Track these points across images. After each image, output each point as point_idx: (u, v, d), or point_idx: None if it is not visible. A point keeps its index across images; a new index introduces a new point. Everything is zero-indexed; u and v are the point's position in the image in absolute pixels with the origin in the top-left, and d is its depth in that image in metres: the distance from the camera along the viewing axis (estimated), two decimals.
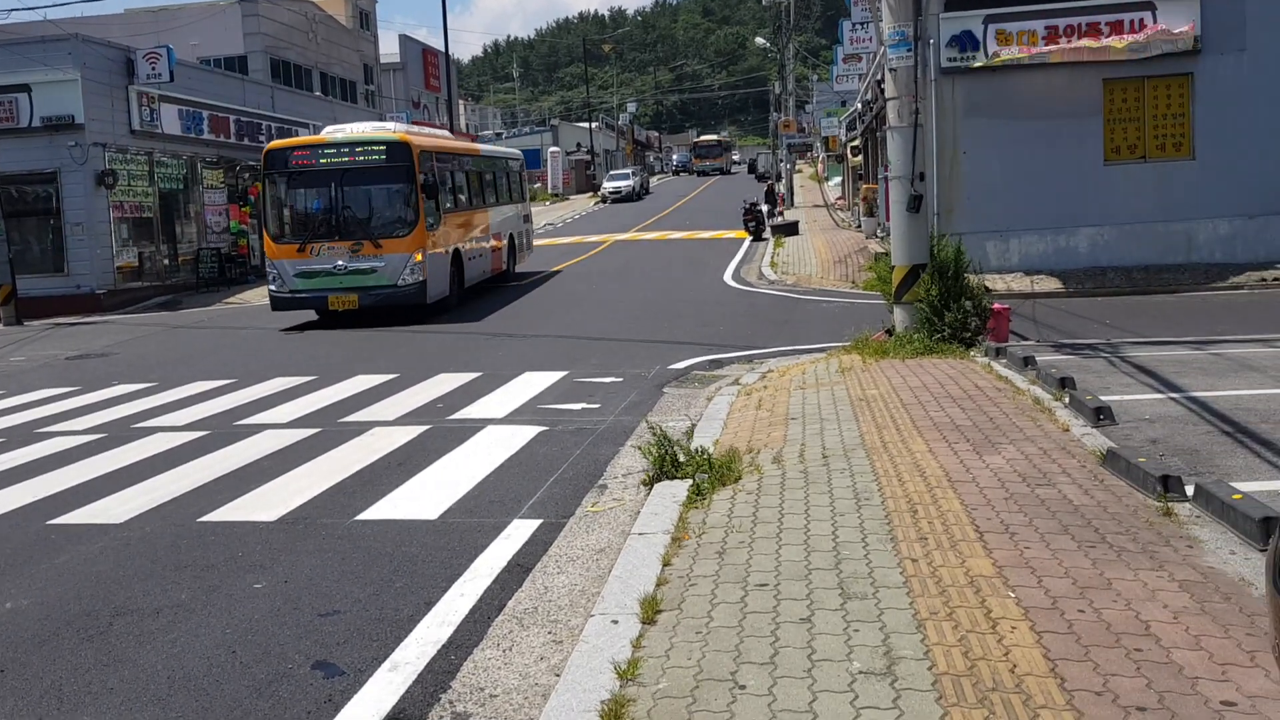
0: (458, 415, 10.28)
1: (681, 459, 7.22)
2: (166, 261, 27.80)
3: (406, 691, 4.57)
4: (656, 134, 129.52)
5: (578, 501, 7.28)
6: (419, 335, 16.53)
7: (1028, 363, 10.19)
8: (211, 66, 35.47)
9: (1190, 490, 5.94)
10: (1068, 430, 7.63)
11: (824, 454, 7.37)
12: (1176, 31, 17.67)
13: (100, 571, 6.30)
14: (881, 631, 4.36)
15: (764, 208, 35.61)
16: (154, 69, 26.23)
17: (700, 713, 3.80)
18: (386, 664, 4.83)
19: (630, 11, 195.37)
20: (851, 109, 38.45)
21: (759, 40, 75.03)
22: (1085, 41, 17.85)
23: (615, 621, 4.70)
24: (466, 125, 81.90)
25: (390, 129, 19.24)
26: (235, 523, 7.16)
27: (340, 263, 17.69)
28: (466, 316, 18.39)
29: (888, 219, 14.39)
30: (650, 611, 4.74)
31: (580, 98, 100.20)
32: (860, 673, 4.01)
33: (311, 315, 18.75)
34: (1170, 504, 5.82)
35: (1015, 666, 3.97)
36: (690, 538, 5.80)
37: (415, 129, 21.03)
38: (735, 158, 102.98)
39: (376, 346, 15.59)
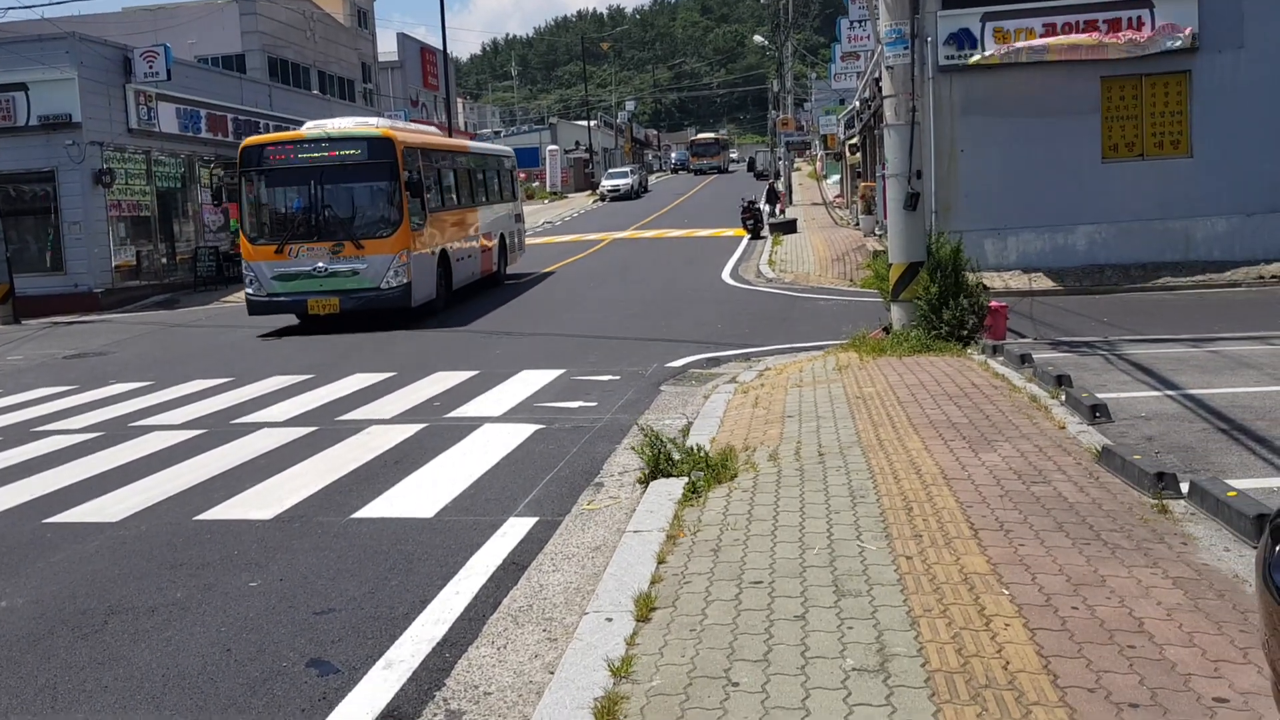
0: (454, 413, 10.28)
1: (676, 457, 7.22)
2: (164, 260, 27.79)
3: (401, 689, 4.57)
4: (655, 132, 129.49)
5: (574, 499, 7.28)
6: (413, 335, 16.48)
7: (1024, 360, 10.19)
8: (209, 65, 35.45)
9: (1185, 487, 5.95)
10: (1064, 428, 7.64)
11: (820, 452, 7.37)
12: (1180, 29, 17.66)
13: (95, 570, 6.30)
14: (875, 629, 4.36)
15: (765, 206, 35.61)
16: (151, 68, 26.20)
17: (693, 710, 3.80)
18: (381, 662, 4.83)
19: (629, 10, 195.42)
20: (850, 107, 38.46)
21: (757, 38, 75.02)
22: (1083, 38, 17.84)
23: (609, 619, 4.70)
24: (465, 124, 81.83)
25: (373, 124, 18.53)
26: (231, 521, 7.15)
27: (320, 264, 16.95)
28: (454, 320, 17.78)
29: (885, 217, 14.38)
30: (644, 609, 4.74)
31: (579, 96, 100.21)
32: (854, 670, 4.01)
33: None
34: (1165, 501, 5.83)
35: (1008, 663, 3.98)
36: (685, 535, 5.80)
37: (400, 124, 20.28)
38: (733, 156, 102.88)
39: (374, 345, 15.58)
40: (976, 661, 4.01)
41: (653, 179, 78.32)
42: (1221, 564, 4.93)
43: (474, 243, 21.49)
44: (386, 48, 60.98)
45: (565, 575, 5.82)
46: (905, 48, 11.84)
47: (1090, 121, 18.27)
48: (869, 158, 30.83)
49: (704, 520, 6.03)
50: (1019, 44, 17.94)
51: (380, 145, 17.11)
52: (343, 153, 17.14)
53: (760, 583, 4.97)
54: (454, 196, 20.76)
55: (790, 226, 31.89)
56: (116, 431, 10.31)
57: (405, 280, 16.98)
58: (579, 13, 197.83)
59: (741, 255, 26.78)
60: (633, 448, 8.07)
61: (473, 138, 57.94)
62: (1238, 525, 5.31)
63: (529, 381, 11.74)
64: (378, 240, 16.94)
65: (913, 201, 11.84)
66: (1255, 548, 5.02)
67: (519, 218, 26.66)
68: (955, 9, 18.23)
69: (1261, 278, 17.23)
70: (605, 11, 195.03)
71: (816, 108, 60.81)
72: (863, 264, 21.70)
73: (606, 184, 60.31)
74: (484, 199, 22.93)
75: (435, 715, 4.34)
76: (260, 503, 7.52)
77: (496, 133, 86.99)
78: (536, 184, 70.15)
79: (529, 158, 75.31)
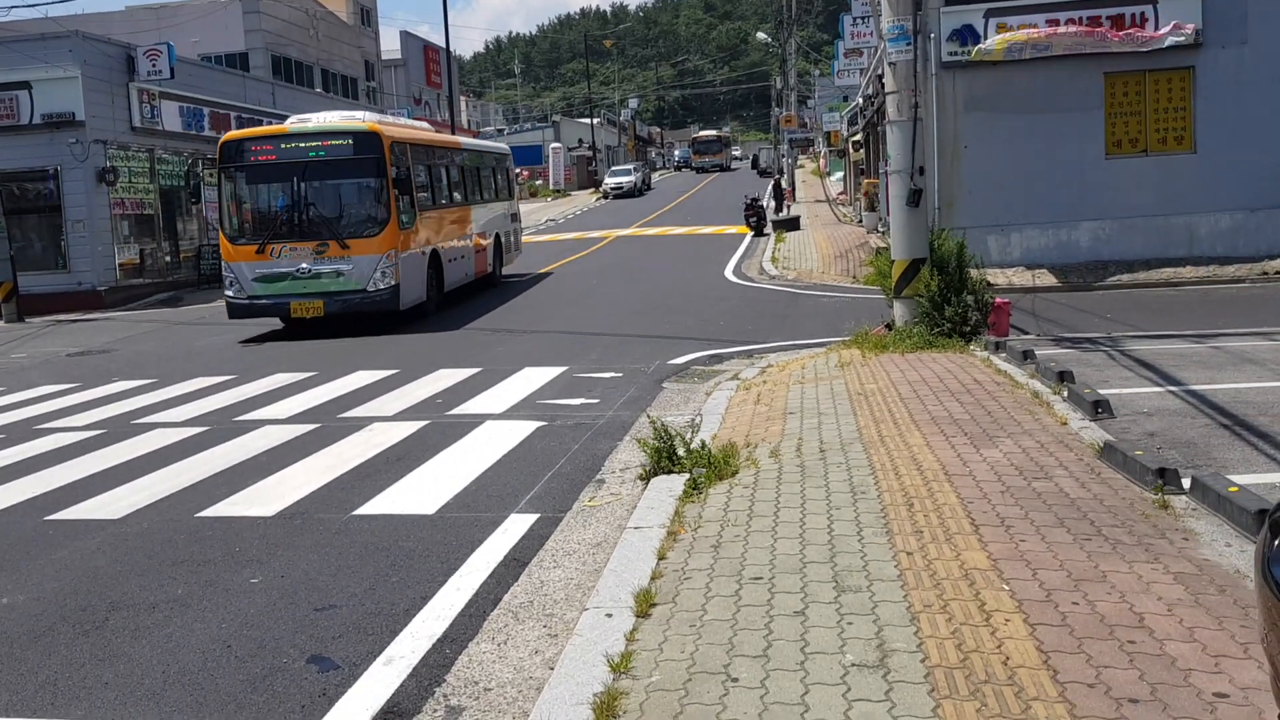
0: (457, 410, 10.28)
1: (680, 452, 7.22)
2: (168, 258, 27.83)
3: (401, 685, 4.57)
4: (658, 130, 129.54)
5: (575, 496, 7.28)
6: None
7: (1027, 356, 10.18)
8: (212, 63, 35.51)
9: (1187, 483, 5.93)
10: (1066, 424, 7.63)
11: (821, 448, 7.37)
12: (1185, 27, 17.63)
13: (97, 567, 6.31)
14: (875, 624, 4.36)
15: (770, 202, 35.56)
16: (154, 66, 26.23)
17: (692, 705, 3.80)
18: (381, 658, 4.83)
19: (632, 7, 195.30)
20: (853, 104, 38.43)
21: (761, 35, 74.90)
22: (1087, 38, 17.82)
23: (609, 615, 4.70)
24: (468, 121, 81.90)
25: (359, 118, 17.78)
26: (233, 518, 7.16)
27: (304, 265, 16.19)
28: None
29: (888, 213, 14.37)
30: (644, 605, 4.74)
31: (582, 94, 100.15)
32: (853, 665, 4.01)
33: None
34: (1167, 496, 5.82)
35: (1008, 659, 3.97)
36: (686, 532, 5.80)
37: (389, 119, 19.47)
38: (736, 153, 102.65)
39: (377, 342, 15.59)
40: (976, 657, 4.00)
41: (656, 176, 78.25)
42: (1223, 559, 4.92)
43: (467, 243, 20.79)
44: (390, 46, 61.06)
45: (566, 571, 5.82)
46: (908, 44, 11.83)
47: (1094, 117, 18.23)
48: (872, 154, 30.81)
49: (705, 516, 6.03)
50: (1020, 36, 17.90)
51: (366, 140, 16.36)
52: (327, 148, 16.41)
53: (760, 579, 4.96)
54: (446, 194, 20.10)
55: (793, 223, 31.87)
56: (119, 429, 10.32)
57: (393, 282, 16.28)
58: (582, 10, 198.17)
59: (744, 252, 26.77)
60: (637, 441, 8.07)
61: (476, 136, 57.97)
62: (1239, 520, 5.30)
63: (531, 379, 11.74)
64: (364, 240, 16.23)
65: (916, 198, 11.82)
66: (1256, 543, 5.02)
67: (515, 217, 25.93)
68: (958, 5, 18.21)
69: (1265, 273, 17.20)
70: (608, 9, 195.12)
71: (820, 104, 60.80)
72: (865, 261, 21.67)
73: (610, 182, 60.30)
74: (478, 197, 22.30)
75: (435, 711, 4.34)
76: (262, 500, 7.52)
77: (500, 130, 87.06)
78: (540, 182, 70.20)
79: (532, 155, 75.44)
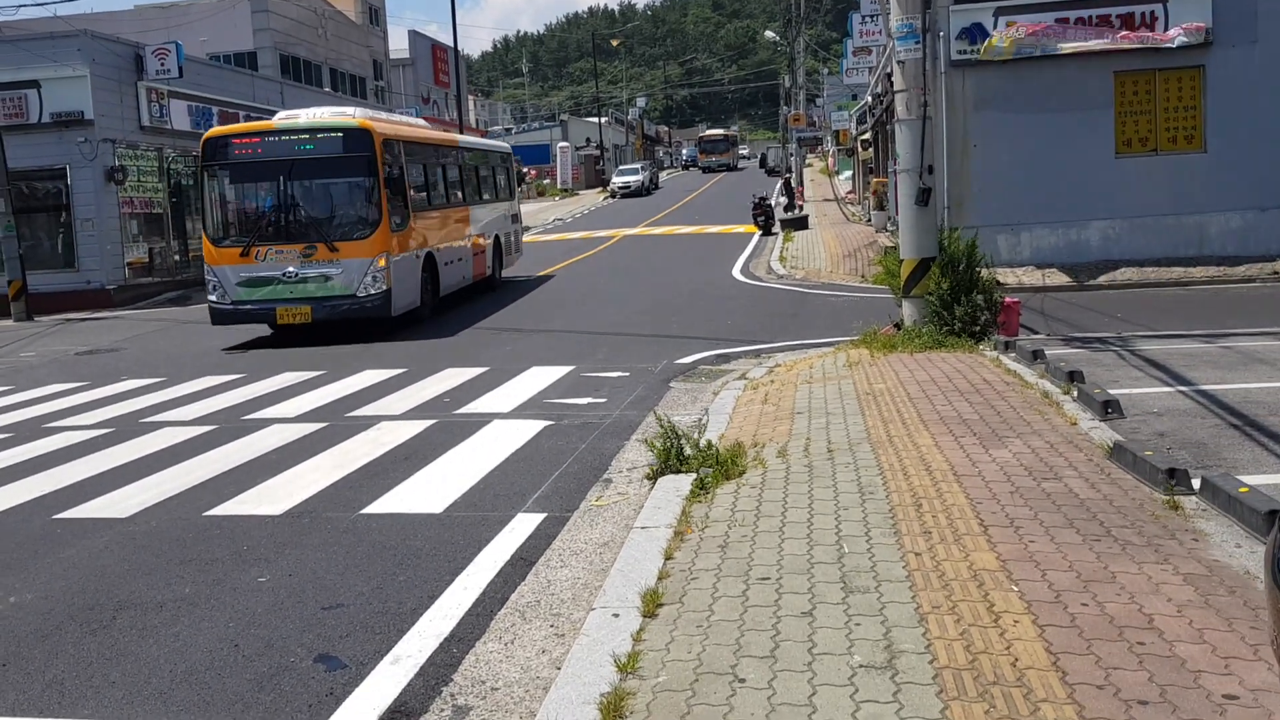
0: (464, 410, 10.28)
1: (688, 452, 7.20)
2: (177, 257, 27.87)
3: (408, 684, 4.56)
4: (666, 129, 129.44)
5: (582, 495, 7.27)
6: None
7: (1037, 356, 10.15)
8: (221, 63, 35.57)
9: (1197, 483, 5.91)
10: (1075, 424, 7.60)
11: (829, 448, 7.35)
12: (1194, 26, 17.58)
13: (105, 566, 6.32)
14: (883, 625, 4.34)
15: (782, 200, 35.51)
16: (163, 65, 26.28)
17: (699, 705, 3.79)
18: (388, 657, 4.83)
19: (640, 6, 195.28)
20: (862, 102, 38.37)
21: (769, 34, 74.89)
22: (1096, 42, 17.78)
23: (616, 615, 4.69)
24: (476, 120, 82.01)
25: (350, 113, 16.71)
26: (241, 517, 7.16)
27: (290, 269, 15.37)
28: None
29: (897, 213, 14.33)
30: (651, 605, 4.73)
31: (590, 93, 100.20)
32: (861, 666, 3.99)
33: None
34: (1176, 497, 5.79)
35: (1017, 660, 3.95)
36: (693, 531, 5.78)
37: (381, 115, 18.67)
38: (744, 152, 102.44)
39: (384, 342, 15.59)
40: (985, 658, 3.98)
41: (664, 175, 78.24)
42: (1233, 560, 4.90)
43: (465, 245, 19.94)
44: (398, 45, 61.17)
45: (573, 571, 5.81)
46: (917, 42, 11.79)
47: (1103, 116, 18.17)
48: (881, 153, 30.75)
49: (712, 516, 6.02)
50: (1027, 34, 17.84)
51: (357, 137, 15.51)
52: (315, 145, 15.59)
53: (768, 579, 4.95)
54: (442, 194, 19.28)
55: (802, 223, 31.82)
56: (127, 427, 10.34)
57: (384, 287, 15.45)
58: (590, 9, 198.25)
59: (752, 252, 26.74)
60: (644, 441, 8.06)
61: (484, 135, 58.06)
62: (1249, 521, 5.27)
63: (538, 378, 11.74)
64: (354, 242, 15.43)
65: (925, 197, 11.79)
66: (1266, 544, 5.00)
67: (516, 218, 25.04)
68: (967, 3, 18.16)
69: (1276, 273, 17.11)
70: (616, 8, 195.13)
71: (828, 103, 60.73)
72: (874, 260, 21.64)
73: (617, 181, 60.28)
74: (476, 197, 21.44)
75: (442, 710, 4.34)
76: (270, 498, 7.53)
77: (507, 130, 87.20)
78: (548, 181, 70.24)
79: (540, 154, 75.52)
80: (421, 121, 22.87)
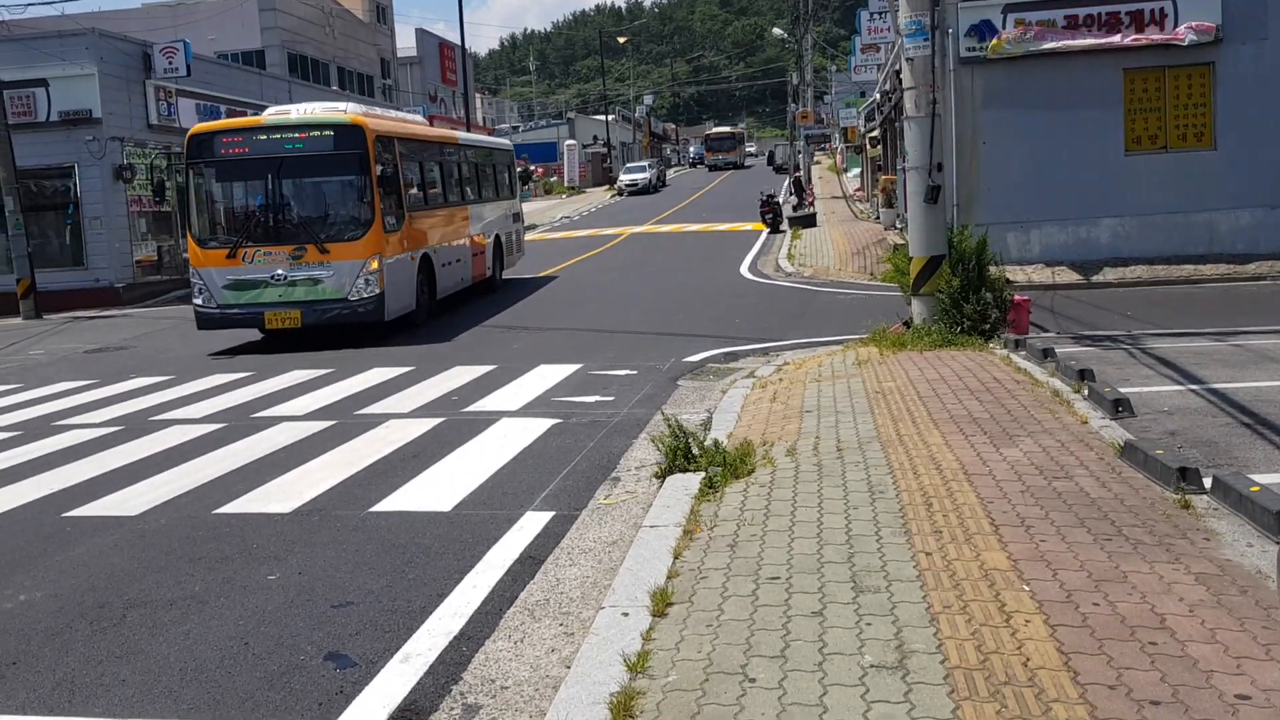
0: (472, 408, 10.28)
1: (695, 451, 7.19)
2: (185, 255, 27.88)
3: (418, 683, 4.56)
4: (673, 126, 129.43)
5: (590, 494, 7.27)
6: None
7: (1047, 354, 10.12)
8: (229, 61, 35.61)
9: (1208, 482, 5.88)
10: (1086, 422, 7.57)
11: (839, 447, 7.33)
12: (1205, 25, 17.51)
13: (114, 564, 6.33)
14: (894, 625, 4.33)
15: (791, 199, 35.45)
16: (171, 63, 26.31)
17: (710, 705, 3.78)
18: (398, 655, 4.83)
19: (647, 3, 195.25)
20: (870, 99, 38.29)
21: (777, 31, 74.72)
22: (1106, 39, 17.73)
23: (626, 614, 4.68)
24: (484, 118, 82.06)
25: (342, 109, 16.06)
26: (250, 515, 7.17)
27: (279, 272, 14.75)
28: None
29: (906, 210, 14.30)
30: (661, 604, 4.72)
31: (597, 90, 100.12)
32: (872, 666, 3.98)
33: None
34: (1188, 496, 5.76)
35: (1028, 660, 3.94)
36: (702, 530, 5.77)
37: (375, 111, 18.02)
38: (751, 150, 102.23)
39: (392, 341, 15.59)
40: (996, 658, 3.97)
41: (671, 173, 78.14)
42: (1244, 560, 4.88)
43: (463, 245, 19.25)
44: (405, 43, 61.23)
45: (582, 570, 5.80)
46: (925, 40, 11.76)
47: (1113, 114, 18.11)
48: (889, 151, 30.70)
49: (721, 515, 6.01)
50: (1035, 33, 17.79)
51: (348, 133, 14.89)
52: (305, 142, 14.94)
53: (777, 578, 4.94)
54: (440, 193, 18.68)
55: (810, 220, 31.78)
56: (136, 426, 10.35)
57: (377, 290, 14.81)
58: (597, 7, 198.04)
59: (760, 249, 26.71)
60: (652, 439, 8.05)
61: (491, 133, 58.10)
62: (1261, 520, 5.25)
63: (546, 376, 11.74)
64: (345, 244, 14.78)
65: (934, 194, 11.76)
66: (1278, 543, 4.98)
67: (518, 217, 24.36)
68: (976, 0, 18.11)
69: None
70: (623, 5, 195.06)
71: (836, 100, 60.60)
72: (883, 258, 21.59)
73: (624, 178, 60.29)
74: (475, 196, 20.77)
75: (452, 709, 4.34)
76: (279, 496, 7.53)
77: (515, 128, 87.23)
78: (555, 179, 70.27)
79: (547, 152, 75.57)
80: (419, 118, 22.45)
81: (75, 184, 24.94)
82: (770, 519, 5.84)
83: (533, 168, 66.07)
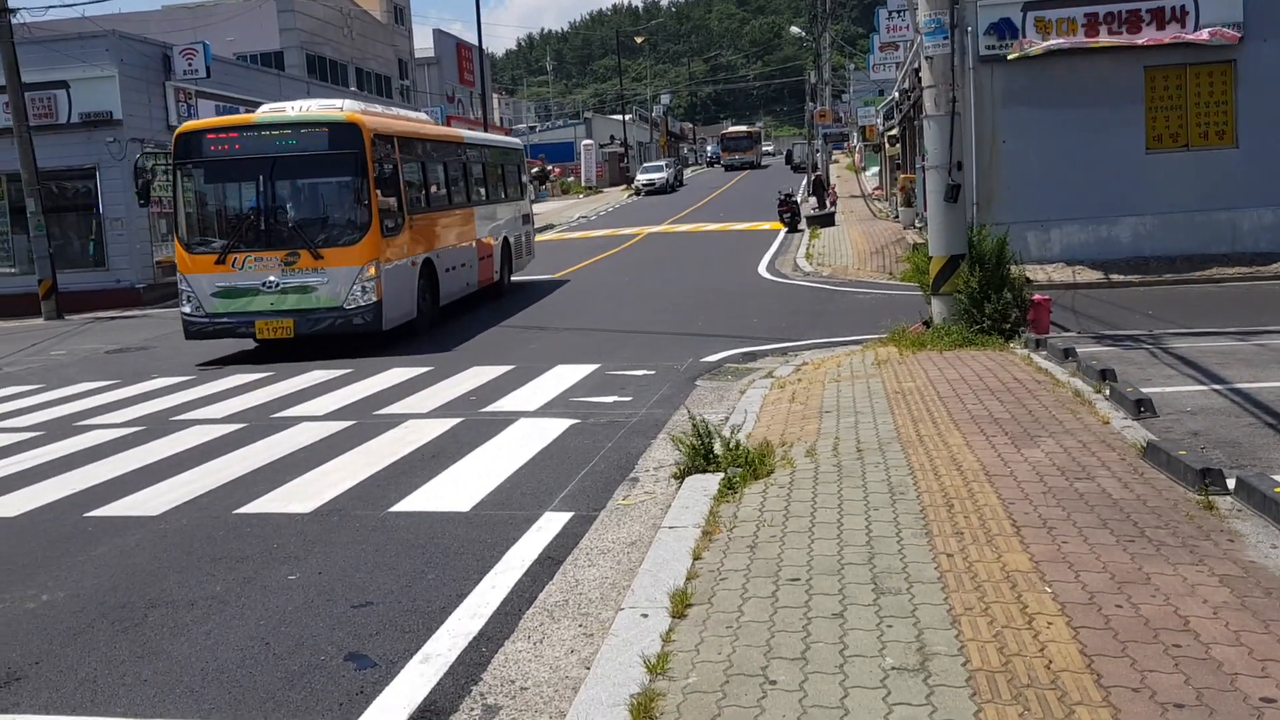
0: (490, 408, 10.30)
1: (718, 451, 7.18)
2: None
3: (438, 683, 4.56)
4: (690, 126, 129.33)
5: (609, 494, 7.26)
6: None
7: (1068, 354, 10.06)
8: (248, 62, 35.77)
9: (1232, 483, 5.83)
10: (1108, 423, 7.52)
11: (858, 448, 7.31)
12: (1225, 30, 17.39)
13: (136, 564, 6.36)
14: (915, 627, 4.30)
15: (811, 199, 35.37)
16: (190, 65, 26.48)
17: (730, 708, 3.77)
18: (418, 655, 4.83)
19: (664, 2, 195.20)
20: (889, 98, 38.17)
21: (794, 29, 74.61)
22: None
23: (645, 615, 4.67)
24: (501, 119, 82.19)
25: (338, 106, 15.27)
26: (271, 515, 7.19)
27: (270, 278, 14.06)
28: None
29: (925, 209, 14.25)
30: (680, 605, 4.71)
31: (614, 90, 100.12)
32: (893, 668, 3.96)
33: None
34: (1211, 497, 5.72)
35: (1051, 662, 3.91)
36: (721, 531, 5.76)
37: (374, 108, 17.26)
38: (768, 149, 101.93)
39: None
40: (1019, 660, 3.94)
41: (689, 172, 78.08)
42: (1269, 561, 4.83)
43: (469, 249, 18.48)
44: (423, 44, 61.39)
45: (601, 570, 5.80)
46: (945, 38, 11.71)
47: (1134, 112, 18.00)
48: (908, 149, 30.59)
49: (740, 516, 5.99)
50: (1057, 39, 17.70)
51: (344, 132, 14.16)
52: (299, 141, 14.23)
53: (798, 580, 4.92)
54: (443, 195, 17.92)
55: (828, 220, 31.70)
56: (158, 426, 10.41)
57: (374, 298, 14.09)
58: (614, 6, 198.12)
59: (778, 249, 26.67)
60: (672, 439, 8.04)
61: (508, 133, 58.17)
62: None
63: (564, 376, 11.74)
64: (341, 249, 14.06)
65: (953, 193, 11.71)
66: None
67: (527, 218, 23.53)
68: None
69: None
70: (640, 4, 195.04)
71: (855, 99, 60.43)
72: (902, 257, 21.51)
73: (641, 178, 60.27)
74: (482, 197, 20.02)
75: (472, 710, 4.34)
76: (299, 496, 7.56)
77: (532, 127, 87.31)
78: (572, 179, 70.34)
79: (565, 152, 75.64)
80: (424, 116, 22.03)
81: (96, 185, 25.08)
82: (790, 520, 5.82)
83: (550, 168, 66.19)
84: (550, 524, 6.65)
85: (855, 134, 61.24)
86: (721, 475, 6.81)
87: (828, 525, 5.66)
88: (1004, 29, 17.96)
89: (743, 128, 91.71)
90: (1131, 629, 4.15)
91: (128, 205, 24.90)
